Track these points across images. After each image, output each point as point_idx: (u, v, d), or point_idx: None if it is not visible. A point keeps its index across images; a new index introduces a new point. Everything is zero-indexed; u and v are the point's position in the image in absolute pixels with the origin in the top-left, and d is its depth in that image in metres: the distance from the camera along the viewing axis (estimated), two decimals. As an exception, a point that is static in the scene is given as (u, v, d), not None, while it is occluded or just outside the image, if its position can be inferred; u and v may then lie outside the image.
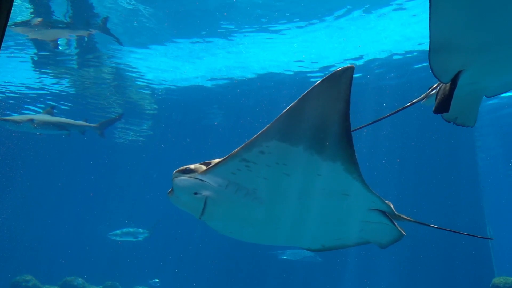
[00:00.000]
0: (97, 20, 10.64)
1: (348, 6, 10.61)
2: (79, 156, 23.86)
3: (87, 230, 25.19)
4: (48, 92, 16.50)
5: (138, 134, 21.44)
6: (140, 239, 18.56)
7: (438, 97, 3.39)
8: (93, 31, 11.17)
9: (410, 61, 13.51)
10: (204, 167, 3.14)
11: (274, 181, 3.00)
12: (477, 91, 3.57)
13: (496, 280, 13.64)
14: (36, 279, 16.12)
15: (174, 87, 16.02)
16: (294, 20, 11.24)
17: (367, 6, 10.56)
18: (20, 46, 12.58)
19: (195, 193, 3.14)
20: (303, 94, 2.61)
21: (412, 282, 22.12)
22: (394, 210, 3.57)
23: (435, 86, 4.05)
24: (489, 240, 20.13)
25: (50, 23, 10.44)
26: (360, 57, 13.40)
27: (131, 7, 10.51)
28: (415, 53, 13.07)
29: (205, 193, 3.11)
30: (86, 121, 12.09)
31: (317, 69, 14.14)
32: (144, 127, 20.52)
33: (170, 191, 3.31)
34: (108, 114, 18.35)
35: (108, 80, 15.10)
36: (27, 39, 11.87)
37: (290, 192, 3.10)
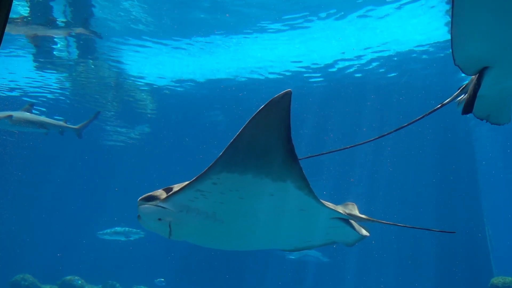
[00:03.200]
0: (78, 20, 10.62)
1: (349, 7, 10.63)
2: (78, 155, 23.85)
3: (86, 229, 25.16)
4: (48, 93, 16.50)
5: (137, 133, 21.43)
6: (131, 238, 18.39)
7: (465, 98, 3.39)
8: (74, 30, 11.15)
9: (411, 61, 13.51)
10: (165, 194, 3.34)
11: (231, 204, 3.22)
12: (508, 90, 3.50)
13: (495, 280, 13.67)
14: (35, 278, 16.12)
15: (174, 86, 16.01)
16: (295, 20, 11.24)
17: (366, 6, 10.58)
18: (19, 46, 12.59)
19: (159, 219, 3.37)
20: (244, 126, 2.74)
21: (412, 281, 22.14)
22: (356, 212, 3.89)
23: (464, 86, 3.99)
24: (488, 240, 20.16)
25: (29, 20, 10.37)
26: (360, 58, 13.40)
27: (129, 4, 10.51)
28: (415, 54, 13.08)
29: (168, 218, 3.34)
30: (65, 122, 11.96)
31: (318, 72, 14.16)
32: (144, 127, 20.51)
33: (139, 216, 3.55)
34: (107, 114, 18.35)
35: (107, 80, 15.09)
36: (27, 39, 11.85)
37: (248, 212, 3.33)
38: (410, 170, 21.53)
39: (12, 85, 16.06)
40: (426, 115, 3.92)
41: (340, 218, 3.61)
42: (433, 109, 3.91)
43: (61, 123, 11.84)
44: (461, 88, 4.06)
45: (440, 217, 23.04)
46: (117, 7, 10.52)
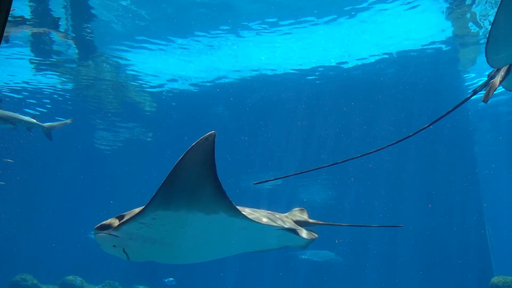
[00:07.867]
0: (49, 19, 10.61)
1: (350, 8, 10.64)
2: (79, 156, 23.85)
3: (86, 229, 25.20)
4: (47, 93, 16.49)
5: (138, 133, 21.42)
6: None
7: (490, 87, 3.72)
8: (47, 30, 11.15)
9: (412, 60, 13.50)
10: (117, 223, 3.60)
11: (175, 232, 3.51)
12: None
13: (495, 279, 13.67)
14: (35, 278, 16.12)
15: (174, 86, 16.01)
16: (297, 21, 11.25)
17: (366, 7, 10.59)
18: (19, 46, 12.59)
19: (114, 246, 3.67)
20: (172, 167, 2.91)
21: (413, 280, 22.17)
22: (304, 217, 4.25)
23: (492, 73, 4.20)
24: (488, 240, 20.19)
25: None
26: (361, 57, 13.41)
27: (129, 4, 10.51)
28: (416, 53, 13.08)
29: (121, 244, 3.64)
30: (33, 117, 11.48)
31: (318, 71, 14.17)
32: (144, 126, 20.49)
33: (98, 244, 3.82)
34: (107, 114, 18.33)
35: (107, 80, 15.08)
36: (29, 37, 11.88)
37: (193, 236, 3.62)
38: (411, 170, 21.52)
39: (13, 87, 16.06)
40: (456, 107, 4.11)
41: (285, 229, 3.91)
42: (465, 99, 4.11)
43: (29, 118, 11.29)
44: (490, 75, 4.25)
45: (441, 217, 23.07)
46: (116, 6, 10.53)
